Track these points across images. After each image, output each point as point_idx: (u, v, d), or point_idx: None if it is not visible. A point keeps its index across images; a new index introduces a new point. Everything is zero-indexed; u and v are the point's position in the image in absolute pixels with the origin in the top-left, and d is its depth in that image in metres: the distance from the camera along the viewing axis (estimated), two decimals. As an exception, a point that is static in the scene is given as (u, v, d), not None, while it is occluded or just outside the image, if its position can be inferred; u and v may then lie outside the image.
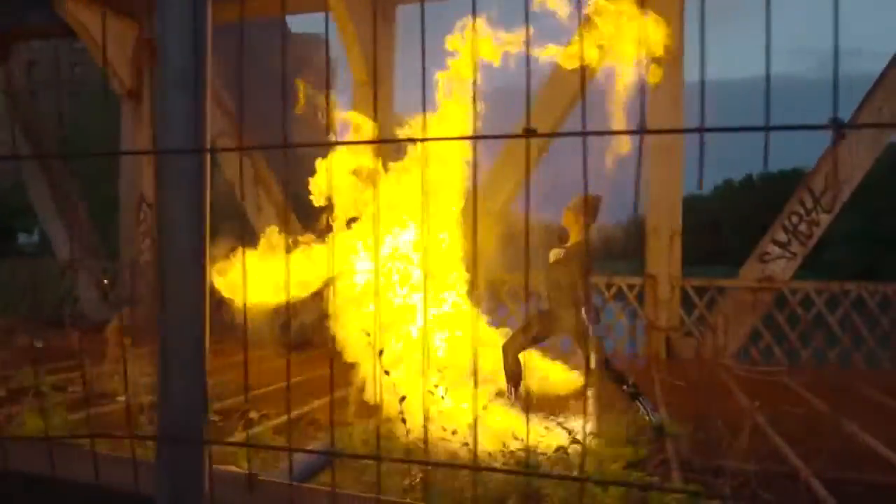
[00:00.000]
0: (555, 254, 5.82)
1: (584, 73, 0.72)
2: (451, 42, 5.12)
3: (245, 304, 1.17)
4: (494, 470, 3.52)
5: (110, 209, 12.60)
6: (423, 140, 0.93)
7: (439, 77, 5.11)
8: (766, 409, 5.63)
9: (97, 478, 0.99)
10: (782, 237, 8.59)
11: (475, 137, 0.81)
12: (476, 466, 2.90)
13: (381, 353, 3.84)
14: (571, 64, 5.28)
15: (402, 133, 5.16)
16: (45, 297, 11.91)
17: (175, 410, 0.90)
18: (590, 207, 5.44)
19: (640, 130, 0.66)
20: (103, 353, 6.89)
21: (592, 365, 5.42)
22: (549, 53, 5.05)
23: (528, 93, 0.76)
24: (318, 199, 5.22)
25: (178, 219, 0.89)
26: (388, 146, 5.90)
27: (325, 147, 5.02)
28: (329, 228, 5.18)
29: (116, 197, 12.10)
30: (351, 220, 5.19)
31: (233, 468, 1.40)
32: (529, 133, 0.71)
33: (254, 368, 5.68)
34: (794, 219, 8.54)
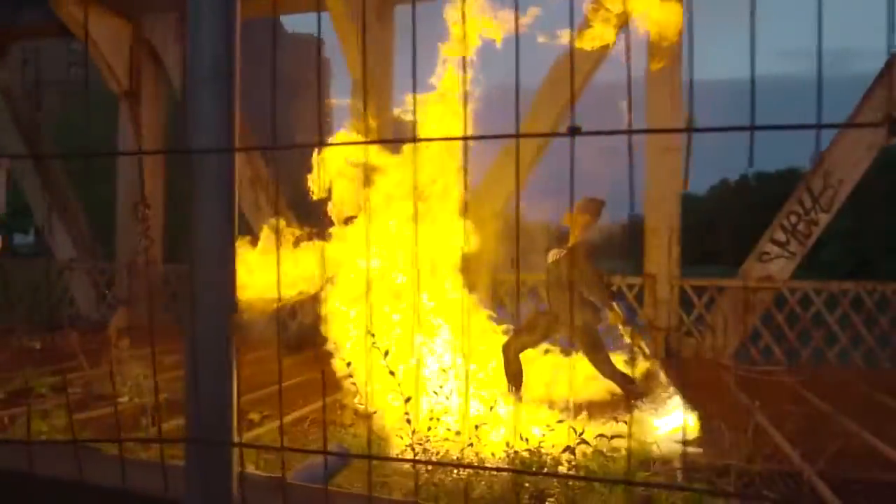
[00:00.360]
0: (554, 254, 5.82)
1: (629, 64, 0.70)
2: (451, 13, 5.08)
3: (280, 298, 1.15)
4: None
5: (107, 210, 12.54)
6: (467, 138, 0.91)
7: (440, 48, 5.06)
8: (766, 408, 5.64)
9: (124, 482, 0.97)
10: (781, 237, 8.59)
11: (518, 136, 0.79)
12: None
13: (386, 354, 3.83)
14: (589, 44, 5.25)
15: (406, 119, 5.13)
16: (42, 298, 11.84)
17: (204, 411, 0.89)
18: (596, 209, 5.45)
19: (689, 129, 0.65)
20: (112, 349, 6.82)
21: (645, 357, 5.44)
22: (563, 38, 5.03)
23: (573, 89, 0.75)
24: (317, 192, 5.16)
25: (209, 219, 0.88)
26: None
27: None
28: (330, 223, 5.14)
29: (114, 197, 12.05)
30: (349, 218, 5.15)
31: (256, 471, 1.39)
32: (574, 131, 0.70)
33: (254, 369, 5.66)
34: (793, 218, 8.55)
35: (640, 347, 5.70)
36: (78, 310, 11.63)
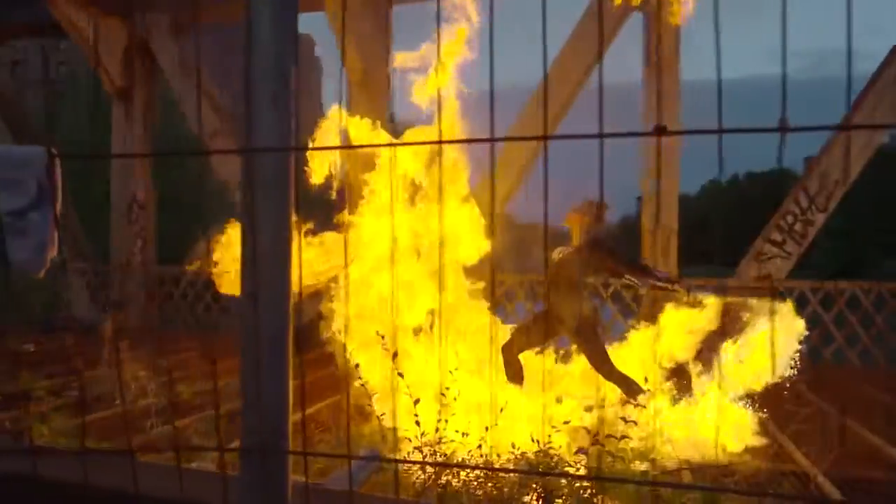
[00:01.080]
0: (559, 252, 5.80)
1: (719, 66, 0.68)
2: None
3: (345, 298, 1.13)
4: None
5: (102, 210, 12.44)
6: (546, 138, 0.88)
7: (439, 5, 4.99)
8: (767, 407, 5.65)
9: (182, 491, 0.95)
10: (778, 237, 8.64)
11: (601, 136, 0.77)
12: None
13: (394, 355, 3.80)
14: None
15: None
16: (36, 300, 11.74)
17: (260, 418, 0.87)
18: (596, 212, 5.44)
19: (782, 128, 0.64)
20: (106, 351, 6.74)
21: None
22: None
23: (658, 89, 0.73)
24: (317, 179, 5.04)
25: (266, 220, 0.86)
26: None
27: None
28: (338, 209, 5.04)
29: (107, 198, 11.97)
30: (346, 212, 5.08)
31: (301, 479, 1.36)
32: (660, 131, 0.68)
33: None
34: (790, 218, 8.60)
35: (698, 300, 5.59)
36: (72, 312, 11.53)
